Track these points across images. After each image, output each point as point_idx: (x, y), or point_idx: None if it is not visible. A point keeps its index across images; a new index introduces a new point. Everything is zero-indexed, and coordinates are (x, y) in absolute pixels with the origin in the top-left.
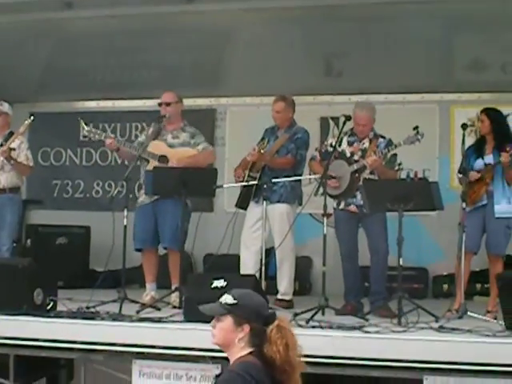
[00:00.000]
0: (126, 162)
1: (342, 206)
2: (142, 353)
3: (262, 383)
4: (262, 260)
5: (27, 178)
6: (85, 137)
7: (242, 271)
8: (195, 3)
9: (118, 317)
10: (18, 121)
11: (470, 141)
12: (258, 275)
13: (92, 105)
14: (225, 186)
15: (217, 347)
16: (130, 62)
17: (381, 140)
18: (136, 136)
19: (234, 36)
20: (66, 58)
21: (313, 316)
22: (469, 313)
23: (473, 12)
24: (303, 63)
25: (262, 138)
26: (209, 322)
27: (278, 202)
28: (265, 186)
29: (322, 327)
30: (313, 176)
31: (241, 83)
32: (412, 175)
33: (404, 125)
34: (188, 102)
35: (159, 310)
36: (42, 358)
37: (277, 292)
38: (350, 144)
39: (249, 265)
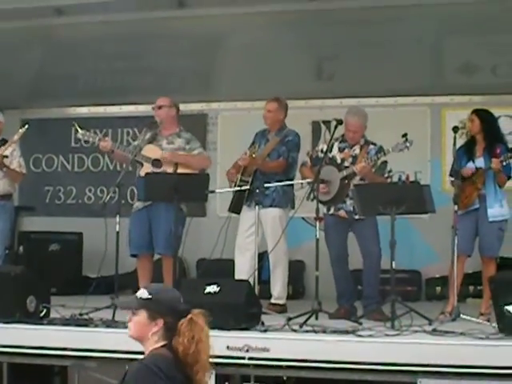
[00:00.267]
0: (118, 168)
1: (331, 211)
2: (136, 359)
3: (170, 376)
4: (255, 265)
5: (19, 185)
6: (79, 140)
7: (237, 276)
8: (186, 8)
9: (111, 323)
10: (9, 127)
11: (461, 143)
12: (251, 280)
13: (83, 111)
14: (217, 191)
15: (211, 353)
16: (121, 68)
17: (371, 147)
18: (128, 141)
19: (224, 41)
20: (57, 64)
21: (306, 320)
22: (462, 315)
23: (463, 15)
24: (294, 67)
25: (253, 142)
26: None
27: (271, 206)
28: (257, 191)
29: (315, 331)
30: (305, 180)
31: (232, 88)
32: (404, 178)
33: (395, 128)
34: (179, 107)
35: None
36: (35, 366)
37: (270, 296)
38: (340, 150)
39: (244, 270)
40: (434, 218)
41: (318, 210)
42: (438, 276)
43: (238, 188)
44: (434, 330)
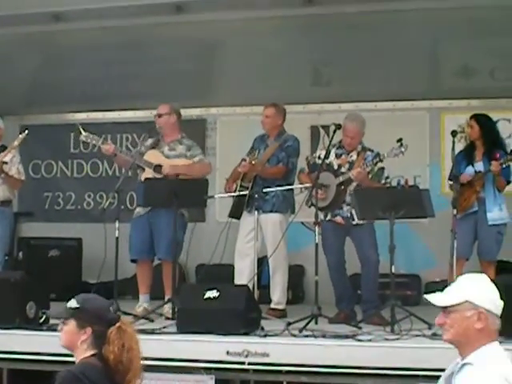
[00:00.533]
0: (118, 174)
1: (328, 217)
2: None
3: None
4: (255, 270)
5: (18, 191)
6: (82, 142)
7: (237, 281)
8: (184, 14)
9: None
10: (9, 134)
11: (460, 147)
12: (251, 285)
13: (82, 116)
14: (216, 196)
15: (211, 358)
16: (119, 74)
17: (368, 153)
18: (126, 147)
19: (223, 46)
20: (55, 70)
21: (306, 325)
22: None
23: (461, 19)
24: (292, 72)
25: (252, 148)
26: (202, 332)
27: (271, 211)
28: (256, 196)
29: (315, 336)
30: (304, 185)
31: (230, 93)
32: (403, 182)
33: (394, 132)
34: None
35: (152, 321)
36: (35, 372)
37: (270, 301)
38: (337, 156)
39: (244, 275)
40: (433, 222)
41: (317, 215)
42: (437, 280)
43: (237, 193)
44: (434, 335)
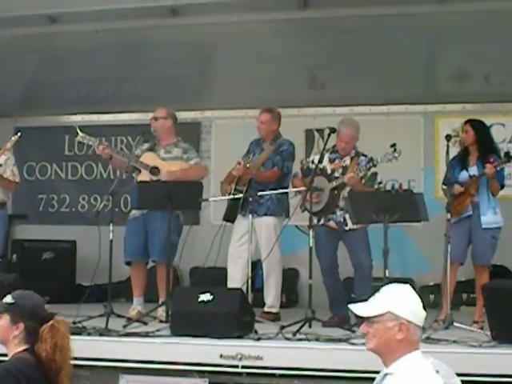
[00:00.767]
0: (112, 176)
1: (322, 221)
2: (129, 367)
3: (30, 378)
4: (249, 273)
5: (12, 193)
6: (79, 143)
7: (229, 285)
8: (179, 17)
9: (104, 332)
10: (3, 136)
11: (455, 151)
12: (244, 288)
13: (77, 119)
14: (210, 199)
15: (205, 361)
16: (114, 76)
17: (362, 158)
18: (122, 149)
19: (218, 49)
20: (50, 72)
21: (299, 329)
22: (455, 323)
23: (455, 23)
24: (287, 76)
25: (248, 151)
26: (196, 335)
27: (265, 214)
28: (250, 199)
29: (308, 340)
30: (299, 189)
31: (225, 96)
32: (397, 186)
33: (388, 136)
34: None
35: (146, 324)
36: None
37: (263, 305)
38: (331, 161)
39: (236, 278)
40: (427, 226)
41: (311, 219)
42: (431, 284)
43: (231, 196)
44: (428, 338)
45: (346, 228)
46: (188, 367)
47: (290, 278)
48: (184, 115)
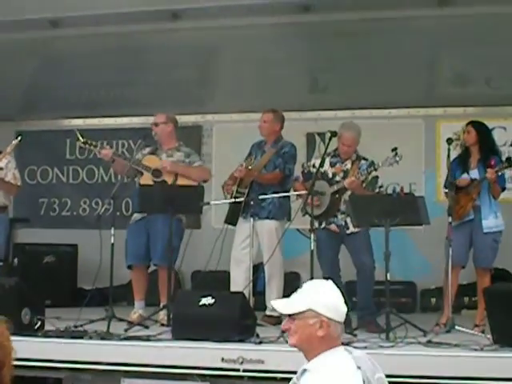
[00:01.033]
0: (113, 180)
1: (323, 225)
2: (131, 371)
3: None
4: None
5: (14, 197)
6: (80, 148)
7: (233, 288)
8: (180, 21)
9: (106, 335)
10: (4, 140)
11: (456, 155)
12: (246, 291)
13: (78, 122)
14: (212, 203)
15: (206, 365)
16: (115, 80)
17: (363, 162)
18: (123, 153)
19: (219, 53)
20: (51, 76)
21: None
22: (457, 327)
23: (457, 27)
24: (289, 79)
25: (249, 153)
26: (198, 339)
27: (267, 218)
28: (252, 203)
29: None
30: (300, 192)
31: (227, 100)
32: (398, 190)
33: (390, 140)
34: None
35: (147, 327)
36: (29, 378)
37: (265, 308)
38: (332, 165)
39: (239, 282)
40: (428, 229)
41: (312, 222)
42: (432, 287)
43: (233, 200)
44: (429, 342)
45: (348, 232)
46: (189, 371)
47: (291, 281)
48: (185, 119)
